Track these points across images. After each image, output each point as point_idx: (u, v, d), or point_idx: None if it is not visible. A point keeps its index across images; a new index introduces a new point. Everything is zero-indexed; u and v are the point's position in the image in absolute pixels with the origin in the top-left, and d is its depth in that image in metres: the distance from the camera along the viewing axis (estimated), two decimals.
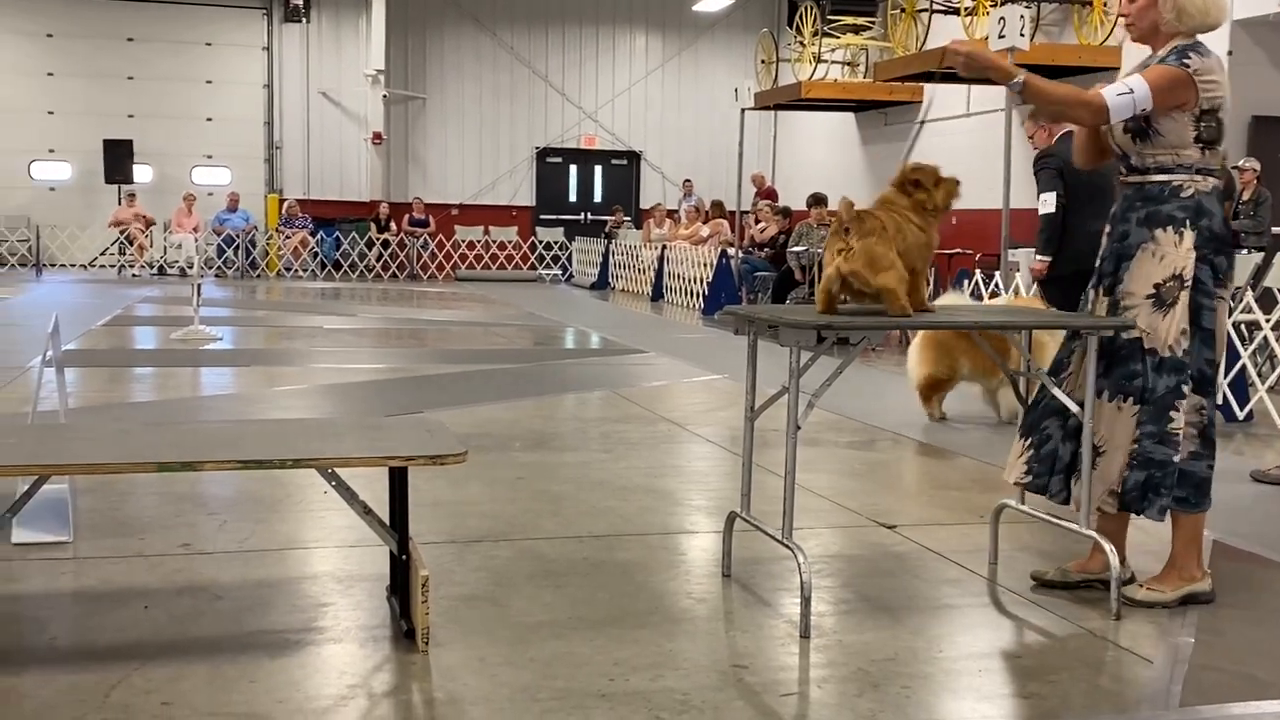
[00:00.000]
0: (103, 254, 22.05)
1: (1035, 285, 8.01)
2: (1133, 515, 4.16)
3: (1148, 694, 3.37)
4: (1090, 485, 4.08)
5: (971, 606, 4.12)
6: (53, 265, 22.09)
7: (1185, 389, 3.98)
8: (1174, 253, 3.96)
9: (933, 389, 7.82)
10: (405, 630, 3.61)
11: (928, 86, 18.03)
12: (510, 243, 23.93)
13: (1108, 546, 4.00)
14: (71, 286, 18.52)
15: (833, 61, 19.34)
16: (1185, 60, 3.93)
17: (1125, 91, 3.88)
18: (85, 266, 22.01)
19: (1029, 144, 7.93)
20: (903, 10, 17.84)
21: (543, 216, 24.81)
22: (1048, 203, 7.42)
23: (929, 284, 11.16)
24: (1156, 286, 3.99)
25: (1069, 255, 7.26)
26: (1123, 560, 4.26)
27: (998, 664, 3.60)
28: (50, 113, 22.60)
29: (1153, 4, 4.01)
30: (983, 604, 4.16)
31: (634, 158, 25.20)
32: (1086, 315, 4.18)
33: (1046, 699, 3.31)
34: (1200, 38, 4.04)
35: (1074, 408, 4.10)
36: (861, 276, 3.88)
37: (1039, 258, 7.55)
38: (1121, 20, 4.23)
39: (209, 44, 23.18)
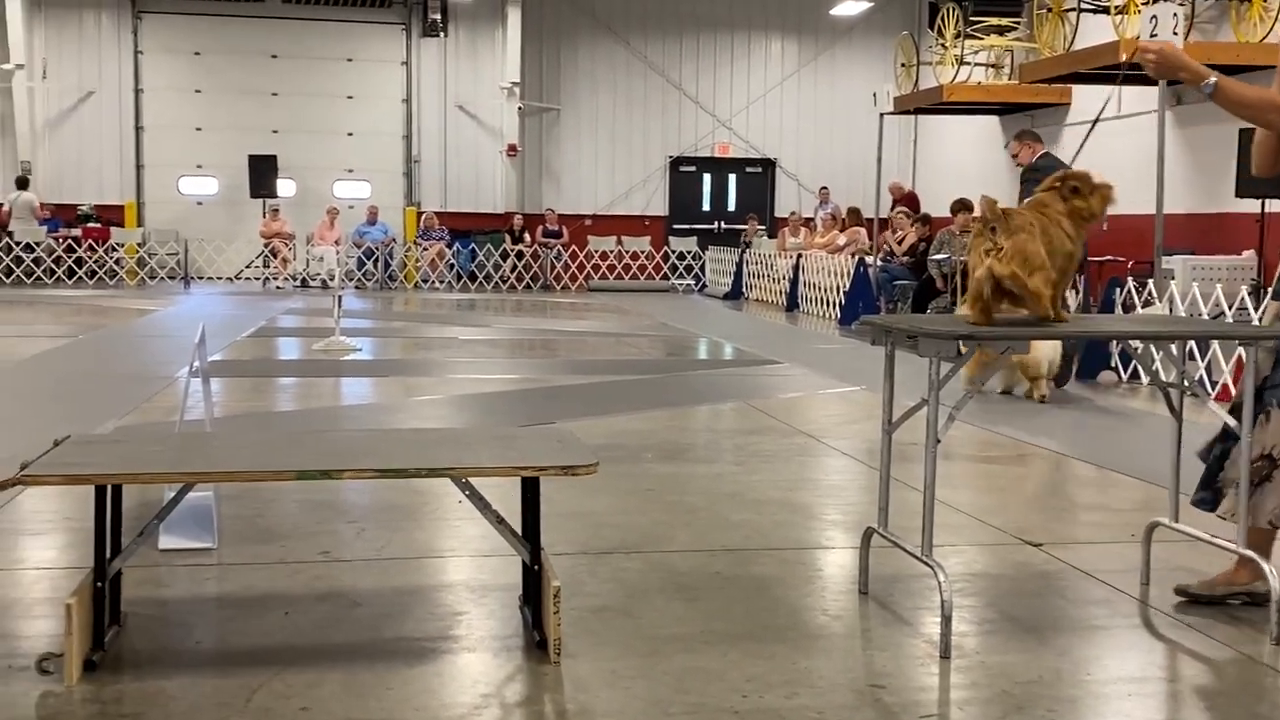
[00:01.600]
0: (248, 267, 22.73)
1: None
2: None
3: None
4: (1245, 502, 3.89)
5: (1121, 628, 3.96)
6: (200, 278, 22.84)
7: None
8: None
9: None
10: (537, 640, 3.61)
11: (1075, 87, 17.53)
12: (643, 253, 23.99)
13: (1267, 567, 3.81)
14: (218, 298, 19.12)
15: (975, 64, 18.93)
16: None
17: None
18: (231, 279, 22.71)
19: (1013, 162, 9.34)
20: (1049, 9, 17.40)
21: (676, 226, 24.81)
22: None
23: (1078, 292, 10.90)
24: None
25: None
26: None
27: (1148, 688, 3.45)
28: (198, 129, 23.39)
29: None
30: (1133, 625, 3.99)
31: (769, 165, 25.05)
32: (1250, 326, 4.00)
33: None
34: None
35: (1232, 421, 3.92)
36: (1019, 279, 3.71)
37: None
38: None
39: (350, 60, 23.76)
